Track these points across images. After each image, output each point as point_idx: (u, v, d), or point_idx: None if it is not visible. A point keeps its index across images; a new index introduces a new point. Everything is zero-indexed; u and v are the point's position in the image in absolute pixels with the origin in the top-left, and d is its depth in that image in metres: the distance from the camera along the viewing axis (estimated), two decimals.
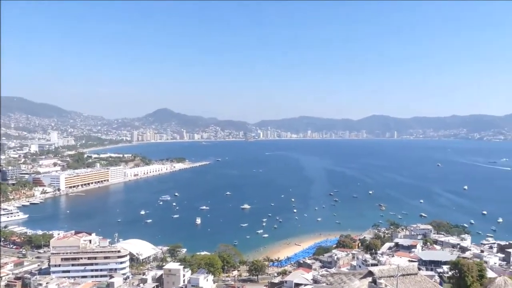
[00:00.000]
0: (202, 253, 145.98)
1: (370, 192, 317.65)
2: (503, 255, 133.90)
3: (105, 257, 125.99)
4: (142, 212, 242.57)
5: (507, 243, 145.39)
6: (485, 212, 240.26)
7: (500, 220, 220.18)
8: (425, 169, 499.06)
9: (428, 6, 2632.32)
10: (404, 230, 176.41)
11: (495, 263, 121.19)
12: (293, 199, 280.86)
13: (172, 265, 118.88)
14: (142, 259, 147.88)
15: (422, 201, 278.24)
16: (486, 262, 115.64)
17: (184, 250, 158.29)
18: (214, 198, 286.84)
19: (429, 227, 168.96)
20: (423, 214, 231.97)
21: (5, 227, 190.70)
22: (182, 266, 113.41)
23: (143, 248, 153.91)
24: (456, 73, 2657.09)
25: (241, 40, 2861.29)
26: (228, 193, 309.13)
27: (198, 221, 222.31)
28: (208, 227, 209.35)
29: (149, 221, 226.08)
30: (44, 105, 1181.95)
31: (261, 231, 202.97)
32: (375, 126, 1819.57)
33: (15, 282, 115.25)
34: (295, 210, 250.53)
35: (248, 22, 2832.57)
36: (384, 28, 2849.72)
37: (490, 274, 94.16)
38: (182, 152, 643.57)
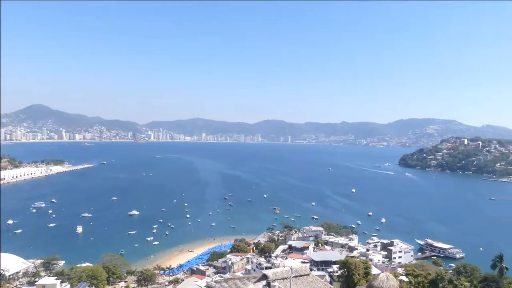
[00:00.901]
0: (84, 264, 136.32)
1: (265, 195, 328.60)
2: (386, 253, 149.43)
3: None
4: (10, 222, 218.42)
5: (389, 241, 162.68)
6: (370, 213, 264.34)
7: (383, 220, 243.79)
8: (317, 173, 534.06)
9: (324, 12, 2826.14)
10: (297, 232, 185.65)
11: (378, 260, 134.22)
12: (186, 204, 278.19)
13: (46, 280, 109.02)
14: (9, 276, 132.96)
15: (314, 203, 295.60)
16: (371, 260, 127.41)
17: (62, 262, 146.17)
18: (98, 204, 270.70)
19: (321, 228, 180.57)
20: (315, 216, 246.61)
21: None
22: (59, 281, 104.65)
23: (10, 262, 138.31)
24: (345, 82, 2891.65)
25: (125, 33, 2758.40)
26: (114, 198, 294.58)
27: (79, 229, 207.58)
28: (91, 236, 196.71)
29: (18, 231, 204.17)
30: None
31: (151, 238, 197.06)
32: (270, 130, 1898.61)
33: None
34: (188, 216, 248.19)
35: (134, 16, 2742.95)
36: (278, 31, 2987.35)
37: (374, 271, 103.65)
38: (61, 153, 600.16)
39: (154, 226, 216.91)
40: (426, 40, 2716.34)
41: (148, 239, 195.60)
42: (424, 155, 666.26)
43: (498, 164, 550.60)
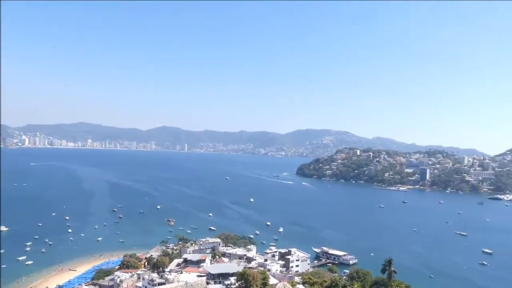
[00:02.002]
0: None
1: (158, 206, 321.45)
2: (283, 262, 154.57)
3: None
4: None
5: (287, 250, 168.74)
6: (268, 223, 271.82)
7: (281, 229, 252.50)
8: (214, 182, 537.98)
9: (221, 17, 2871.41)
10: (193, 244, 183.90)
11: (276, 270, 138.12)
12: (67, 217, 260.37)
13: None
14: None
15: (211, 214, 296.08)
16: (269, 270, 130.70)
17: None
18: None
19: (218, 240, 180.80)
20: (212, 227, 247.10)
21: None
22: None
23: None
24: (241, 90, 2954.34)
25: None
26: None
27: None
28: None
29: None
30: None
31: (24, 257, 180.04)
32: (166, 137, 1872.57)
33: None
34: (69, 230, 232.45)
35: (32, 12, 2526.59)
36: (177, 31, 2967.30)
37: (272, 281, 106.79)
38: None
39: (28, 244, 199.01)
40: (317, 51, 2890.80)
41: (20, 258, 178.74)
42: (320, 165, 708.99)
43: (387, 173, 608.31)
